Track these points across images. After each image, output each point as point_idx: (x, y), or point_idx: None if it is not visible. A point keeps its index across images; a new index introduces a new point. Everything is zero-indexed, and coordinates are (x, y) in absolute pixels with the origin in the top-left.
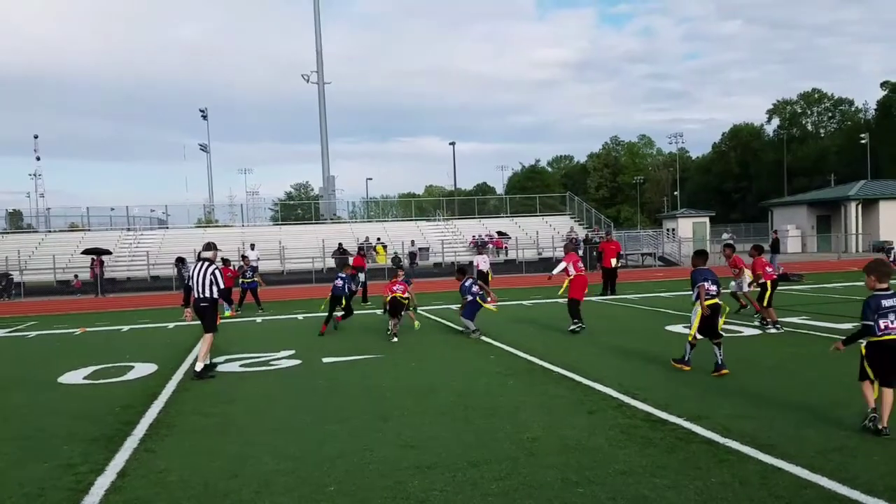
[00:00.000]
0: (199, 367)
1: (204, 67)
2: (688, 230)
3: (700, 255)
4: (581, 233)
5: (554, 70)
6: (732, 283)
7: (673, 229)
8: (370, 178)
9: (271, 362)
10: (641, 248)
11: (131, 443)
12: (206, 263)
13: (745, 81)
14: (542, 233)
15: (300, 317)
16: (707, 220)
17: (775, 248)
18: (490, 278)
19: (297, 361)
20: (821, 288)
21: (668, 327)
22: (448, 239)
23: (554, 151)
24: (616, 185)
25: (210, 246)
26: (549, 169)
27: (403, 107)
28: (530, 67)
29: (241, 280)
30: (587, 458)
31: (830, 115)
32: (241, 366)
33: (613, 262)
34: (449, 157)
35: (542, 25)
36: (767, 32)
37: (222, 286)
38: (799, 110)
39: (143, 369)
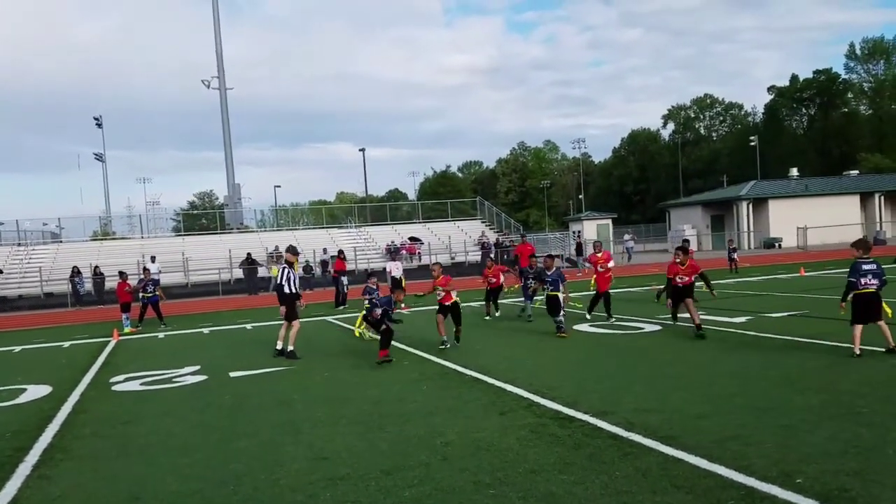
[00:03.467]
0: (290, 348)
1: (99, 72)
2: (592, 232)
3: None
4: (492, 237)
5: (464, 76)
6: None
7: (579, 231)
8: (278, 186)
9: (174, 379)
10: (550, 251)
11: (24, 469)
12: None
13: (646, 88)
14: (455, 237)
15: (206, 331)
16: (610, 221)
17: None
18: (404, 284)
19: (203, 377)
20: (715, 284)
21: (576, 327)
22: (361, 246)
23: (464, 157)
24: (525, 190)
25: (290, 249)
26: (460, 174)
27: (314, 112)
28: (441, 73)
29: (141, 294)
30: (498, 460)
31: (722, 118)
32: (141, 384)
33: (529, 262)
34: (361, 164)
35: (451, 32)
36: (667, 40)
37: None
38: (692, 115)
39: (36, 391)
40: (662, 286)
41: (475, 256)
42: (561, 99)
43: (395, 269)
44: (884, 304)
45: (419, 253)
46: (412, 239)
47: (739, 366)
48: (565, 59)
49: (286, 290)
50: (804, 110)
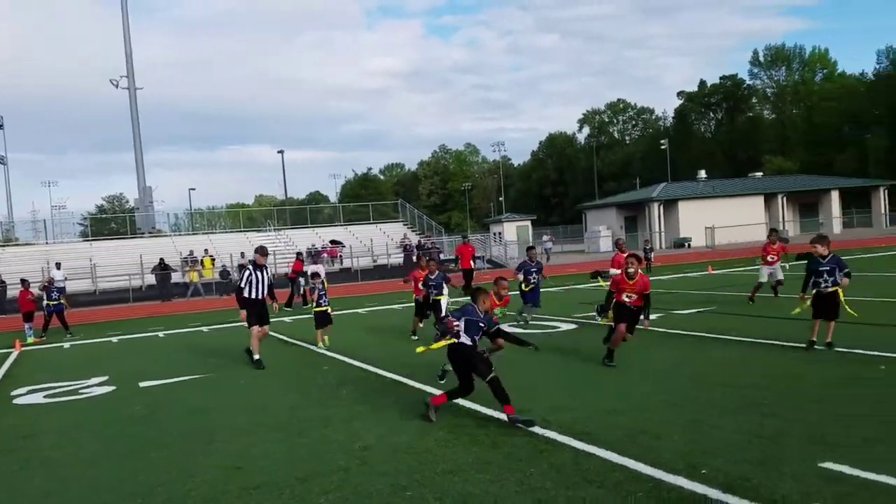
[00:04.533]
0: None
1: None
2: (512, 233)
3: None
4: (414, 239)
5: (385, 79)
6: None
7: (499, 233)
8: (193, 189)
9: (81, 391)
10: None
11: None
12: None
13: (563, 92)
14: (377, 240)
15: (115, 339)
16: (529, 223)
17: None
18: (325, 287)
19: (111, 388)
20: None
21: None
22: (280, 249)
23: (386, 159)
24: (446, 192)
25: (259, 250)
26: (382, 177)
27: (231, 114)
28: (362, 76)
29: (45, 303)
30: (417, 462)
31: (634, 123)
32: (45, 396)
33: (472, 262)
34: (280, 166)
35: (372, 34)
36: (582, 46)
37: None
38: (607, 119)
39: None
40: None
41: (397, 259)
42: (481, 103)
43: (311, 271)
44: (847, 307)
45: (341, 256)
46: (333, 242)
47: (651, 362)
48: (485, 64)
49: (246, 293)
50: (712, 115)
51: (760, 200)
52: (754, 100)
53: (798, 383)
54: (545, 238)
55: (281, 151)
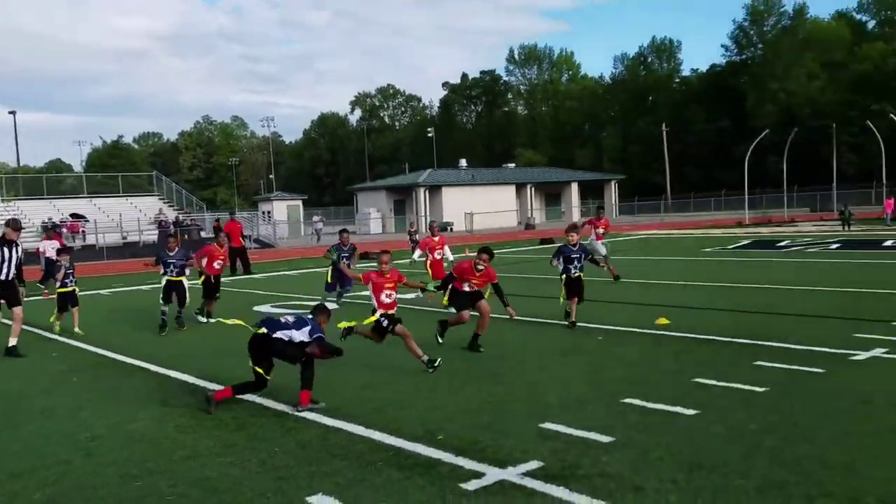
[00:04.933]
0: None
1: None
2: (283, 213)
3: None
4: (171, 215)
5: (141, 40)
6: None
7: (268, 212)
8: None
9: None
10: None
11: None
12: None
13: (336, 72)
14: (127, 215)
15: None
16: (300, 203)
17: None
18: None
19: None
20: (395, 264)
21: (256, 308)
22: None
23: (141, 128)
24: (211, 166)
25: (11, 224)
26: (136, 146)
27: None
28: (113, 35)
29: None
30: (152, 450)
31: (403, 109)
32: None
33: (241, 240)
34: (11, 129)
35: None
36: (354, 27)
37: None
38: (378, 103)
39: None
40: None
41: (151, 236)
42: (250, 74)
43: (50, 248)
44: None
45: (83, 231)
46: (74, 216)
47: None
48: (254, 34)
49: (2, 275)
50: (473, 107)
51: (512, 189)
52: (510, 95)
53: (529, 353)
54: (316, 218)
55: (13, 112)
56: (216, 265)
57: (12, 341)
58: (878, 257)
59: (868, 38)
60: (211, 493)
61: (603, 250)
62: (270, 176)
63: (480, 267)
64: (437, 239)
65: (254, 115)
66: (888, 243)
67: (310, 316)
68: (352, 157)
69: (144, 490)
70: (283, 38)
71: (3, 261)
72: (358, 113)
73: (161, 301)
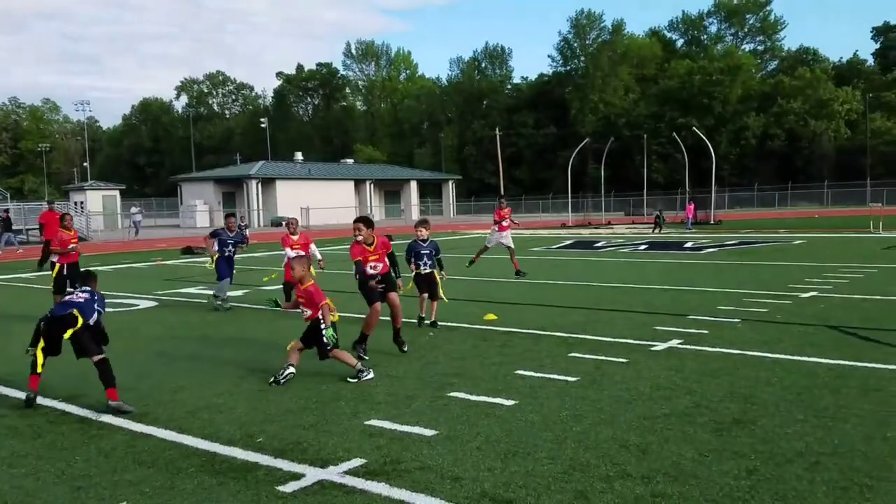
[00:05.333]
0: None
1: None
2: (98, 203)
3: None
4: None
5: None
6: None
7: (82, 202)
8: None
9: None
10: None
11: None
12: None
13: (161, 56)
14: None
15: None
16: (118, 193)
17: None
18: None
19: None
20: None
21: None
22: None
23: None
24: (18, 152)
25: None
26: None
27: None
28: None
29: None
30: None
31: (234, 97)
32: None
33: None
34: None
35: None
36: (184, 9)
37: None
38: (206, 90)
39: None
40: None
41: None
42: (65, 54)
43: None
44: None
45: None
46: None
47: (226, 336)
48: (72, 12)
49: None
50: (310, 99)
51: (351, 185)
52: (348, 90)
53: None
54: (134, 210)
55: None
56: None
57: None
58: (680, 258)
59: (677, 55)
60: None
61: (509, 242)
62: (85, 164)
63: (360, 238)
64: (296, 237)
65: (68, 98)
66: (688, 245)
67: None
68: (177, 145)
69: None
70: (105, 17)
71: None
72: (184, 99)
73: None
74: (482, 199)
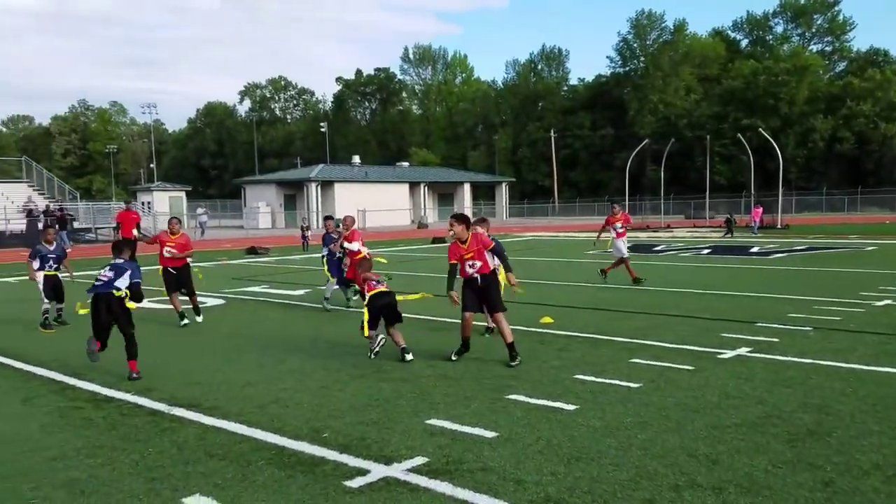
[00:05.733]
0: None
1: None
2: (164, 204)
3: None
4: (41, 203)
5: (8, 16)
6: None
7: (149, 203)
8: None
9: None
10: (114, 222)
11: None
12: None
13: (225, 61)
14: None
15: None
16: (184, 194)
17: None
18: None
19: None
20: (283, 260)
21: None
22: None
23: (9, 110)
24: (87, 153)
25: None
26: (4, 129)
27: None
28: None
29: None
30: (12, 450)
31: (296, 102)
32: None
33: (135, 232)
34: None
35: None
36: (247, 15)
37: None
38: (268, 95)
39: None
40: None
41: (19, 225)
42: (132, 59)
43: None
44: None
45: None
46: None
47: (290, 333)
48: (139, 17)
49: None
50: (367, 104)
51: (406, 188)
52: (404, 94)
53: (415, 349)
54: (200, 211)
55: None
56: (166, 253)
57: None
58: (745, 263)
59: (741, 55)
60: (78, 496)
61: (624, 250)
62: (151, 165)
63: (451, 234)
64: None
65: (135, 102)
66: (755, 249)
67: (120, 260)
68: (240, 149)
69: (3, 493)
70: (170, 22)
71: None
72: (247, 104)
73: (42, 297)
74: (535, 201)
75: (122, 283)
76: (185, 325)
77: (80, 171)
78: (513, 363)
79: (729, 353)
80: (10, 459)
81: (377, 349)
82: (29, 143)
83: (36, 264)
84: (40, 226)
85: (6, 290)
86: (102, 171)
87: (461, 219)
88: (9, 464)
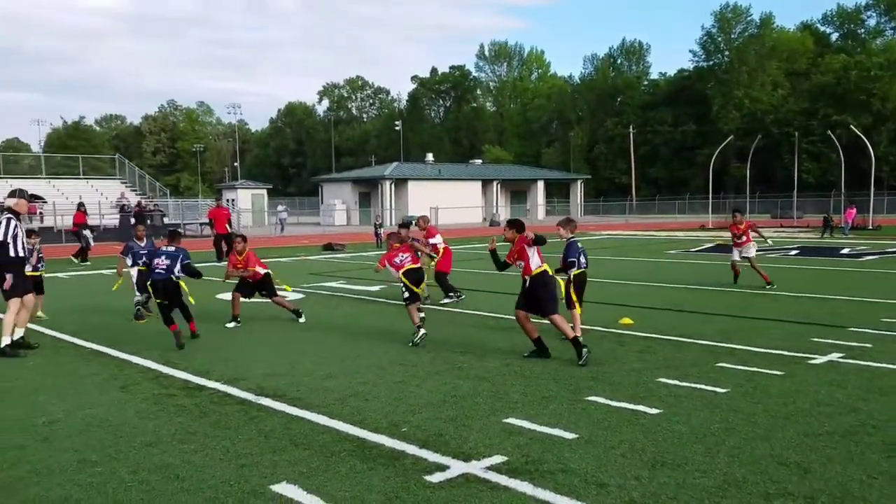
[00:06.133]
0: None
1: None
2: (247, 201)
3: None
4: (133, 199)
5: (103, 19)
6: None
7: (233, 200)
8: None
9: None
10: (201, 218)
11: None
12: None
13: (304, 61)
14: (88, 198)
15: None
16: (265, 192)
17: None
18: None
19: None
20: (359, 256)
21: (219, 295)
22: None
23: (104, 109)
24: (175, 152)
25: (19, 193)
26: (98, 128)
27: None
28: (73, 13)
29: None
30: (111, 436)
31: (371, 101)
32: None
33: (227, 227)
34: None
35: None
36: (323, 16)
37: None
38: (345, 94)
39: None
40: None
41: (112, 220)
42: (217, 60)
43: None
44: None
45: (41, 213)
46: (33, 197)
47: (366, 328)
48: (222, 18)
49: (11, 251)
50: (441, 102)
51: (479, 185)
52: (479, 91)
53: (492, 349)
54: (280, 208)
55: None
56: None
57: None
58: (836, 265)
59: (831, 49)
60: (173, 480)
61: (735, 255)
62: (235, 164)
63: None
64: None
65: (220, 102)
66: (845, 251)
67: (172, 248)
68: (318, 147)
69: (104, 476)
70: (252, 24)
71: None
72: (325, 103)
73: (136, 291)
74: (611, 199)
75: (178, 268)
76: (236, 326)
77: (168, 169)
78: (580, 361)
79: (820, 359)
80: (110, 444)
81: (417, 340)
82: (121, 142)
83: (129, 261)
84: (132, 221)
85: (101, 282)
86: (189, 169)
87: (511, 223)
88: (109, 448)
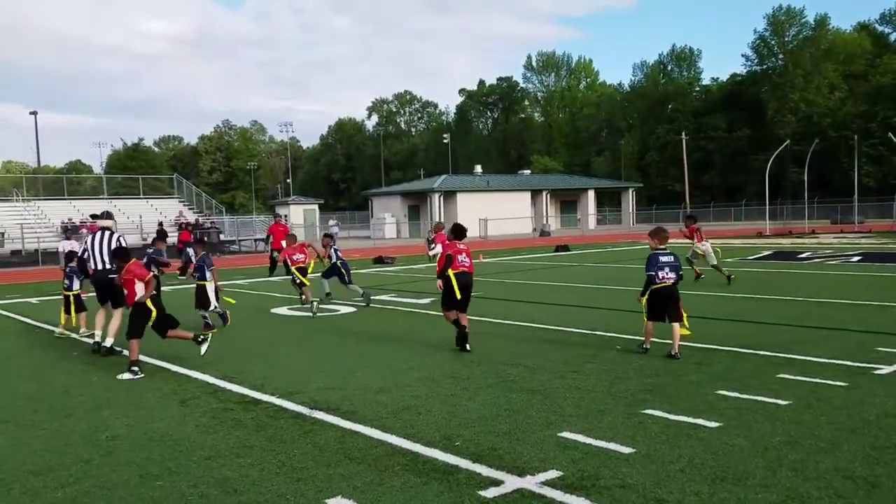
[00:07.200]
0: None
1: None
2: (299, 216)
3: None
4: (191, 217)
5: (163, 43)
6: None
7: (286, 215)
8: None
9: None
10: (255, 234)
11: None
12: (109, 232)
13: (354, 77)
14: (147, 217)
15: None
16: (317, 207)
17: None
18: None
19: None
20: (409, 269)
21: (274, 310)
22: (29, 223)
23: (162, 131)
24: (230, 170)
25: (108, 214)
26: (157, 149)
27: None
28: (136, 37)
29: None
30: (171, 450)
31: (420, 115)
32: None
33: (283, 243)
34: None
35: None
36: (374, 31)
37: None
38: (394, 109)
39: None
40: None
41: (171, 238)
42: (270, 79)
43: (70, 249)
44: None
45: None
46: (94, 216)
47: (421, 342)
48: (276, 39)
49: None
50: (489, 113)
51: (528, 196)
52: (526, 102)
53: (545, 362)
54: (332, 223)
55: (34, 113)
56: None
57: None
58: None
59: (890, 50)
60: (231, 494)
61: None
62: (288, 180)
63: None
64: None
65: (273, 120)
66: None
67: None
68: (367, 162)
69: (165, 490)
70: (303, 43)
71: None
72: (374, 119)
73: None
74: (663, 206)
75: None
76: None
77: (224, 187)
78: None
79: (886, 369)
80: (171, 458)
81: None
82: (178, 162)
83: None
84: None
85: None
86: (244, 186)
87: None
88: (170, 462)
